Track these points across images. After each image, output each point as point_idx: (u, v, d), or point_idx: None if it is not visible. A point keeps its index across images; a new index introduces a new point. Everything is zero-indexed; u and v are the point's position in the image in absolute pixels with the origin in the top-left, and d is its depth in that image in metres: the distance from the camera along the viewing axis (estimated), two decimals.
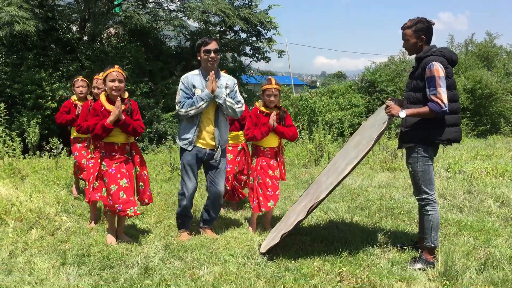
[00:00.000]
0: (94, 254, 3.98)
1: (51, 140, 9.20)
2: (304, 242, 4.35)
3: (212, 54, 4.40)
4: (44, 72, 12.17)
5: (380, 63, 20.98)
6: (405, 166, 8.56)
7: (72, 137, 5.97)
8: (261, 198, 4.76)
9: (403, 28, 3.94)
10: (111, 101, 4.22)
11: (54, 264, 3.73)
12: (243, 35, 15.80)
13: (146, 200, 4.45)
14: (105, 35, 15.00)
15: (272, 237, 4.21)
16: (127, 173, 4.25)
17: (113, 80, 4.16)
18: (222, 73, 4.67)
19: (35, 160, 8.50)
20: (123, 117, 4.15)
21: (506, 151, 10.52)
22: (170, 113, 12.97)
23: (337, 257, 3.93)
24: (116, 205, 4.14)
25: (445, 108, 3.61)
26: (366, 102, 17.83)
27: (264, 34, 15.37)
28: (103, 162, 4.23)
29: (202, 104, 4.33)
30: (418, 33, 3.84)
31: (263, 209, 4.77)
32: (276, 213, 5.41)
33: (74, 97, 5.88)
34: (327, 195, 3.81)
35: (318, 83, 55.03)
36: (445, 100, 3.61)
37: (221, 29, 15.73)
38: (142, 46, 14.13)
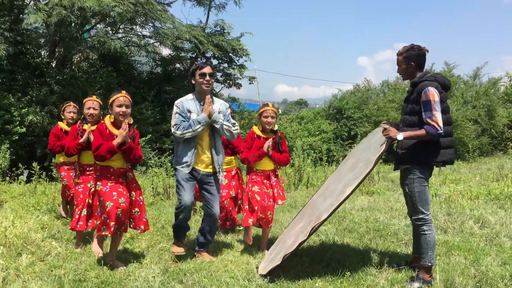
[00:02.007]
0: (91, 279, 3.88)
1: (20, 166, 8.94)
2: (303, 263, 4.38)
3: (208, 78, 4.47)
4: (13, 97, 11.85)
5: (346, 90, 21.55)
6: (383, 190, 8.82)
7: (57, 162, 5.82)
8: (245, 214, 4.82)
9: (397, 55, 4.13)
10: (116, 126, 4.20)
11: None
12: (215, 62, 15.96)
13: (142, 227, 4.33)
14: (75, 60, 14.81)
15: (270, 259, 4.23)
16: (124, 193, 4.18)
17: (120, 106, 4.18)
18: (215, 98, 4.73)
19: (6, 186, 8.22)
20: (129, 141, 4.14)
21: (472, 176, 10.92)
22: (144, 138, 12.86)
23: (337, 278, 3.97)
24: (112, 223, 4.03)
25: (441, 131, 3.77)
26: (334, 128, 18.21)
27: (236, 61, 15.58)
28: (98, 183, 4.16)
29: (199, 127, 4.37)
30: (408, 59, 4.03)
31: (250, 220, 4.78)
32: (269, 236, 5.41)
33: (61, 123, 5.74)
34: (329, 216, 3.88)
35: (280, 111, 55.90)
36: (441, 123, 3.77)
37: (193, 56, 15.84)
38: (113, 71, 14.02)
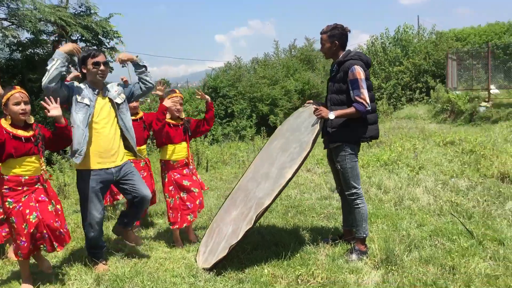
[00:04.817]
0: None
1: None
2: (245, 250, 4.29)
3: (102, 67, 4.03)
4: None
5: (218, 68, 21.60)
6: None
7: None
8: (179, 214, 4.63)
9: (320, 33, 4.17)
10: (16, 126, 3.60)
11: None
12: (82, 44, 14.72)
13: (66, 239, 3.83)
14: None
15: (209, 250, 4.08)
16: (36, 205, 3.63)
17: (17, 103, 3.55)
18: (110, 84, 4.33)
19: None
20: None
21: None
22: None
23: (282, 261, 3.97)
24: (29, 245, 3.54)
25: (369, 108, 3.93)
26: None
27: (106, 44, 14.56)
28: (8, 199, 3.56)
29: (54, 64, 3.70)
30: (333, 38, 4.10)
31: (185, 224, 4.65)
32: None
33: None
34: (272, 201, 3.83)
35: None
36: (368, 100, 3.92)
37: (56, 39, 14.42)
38: None
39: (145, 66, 4.28)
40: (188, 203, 4.65)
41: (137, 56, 4.26)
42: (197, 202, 4.70)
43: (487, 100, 15.28)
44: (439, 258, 3.85)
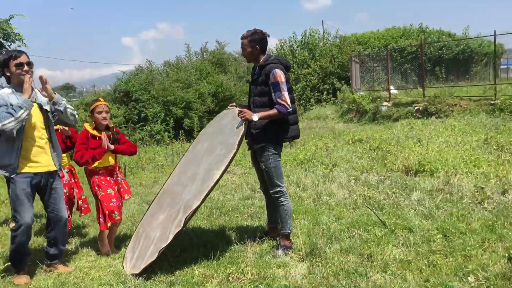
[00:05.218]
0: None
1: None
2: (174, 253, 4.30)
3: (26, 68, 3.91)
4: None
5: (130, 71, 21.02)
6: None
7: None
8: (106, 212, 4.48)
9: (241, 38, 4.31)
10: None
11: None
12: None
13: None
14: None
15: (136, 256, 4.05)
16: None
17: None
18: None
19: None
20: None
21: None
22: None
23: (212, 261, 4.05)
24: None
25: (290, 109, 4.13)
26: (124, 112, 17.68)
27: (7, 47, 13.58)
28: None
29: (22, 113, 3.73)
30: (253, 43, 4.26)
31: (109, 223, 4.52)
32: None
33: None
34: (201, 203, 3.90)
35: None
36: (289, 102, 4.12)
37: None
38: None
39: (62, 105, 4.09)
40: (113, 200, 4.51)
41: (55, 94, 4.07)
42: (122, 202, 4.64)
43: (388, 100, 16.40)
44: (358, 247, 4.15)
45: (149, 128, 17.27)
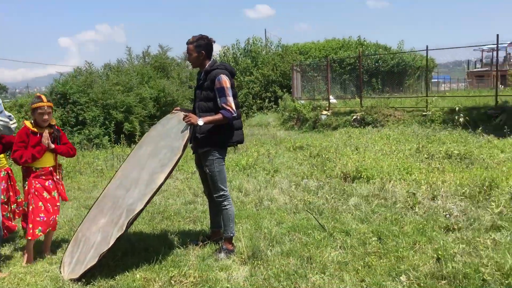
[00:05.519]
0: None
1: None
2: (115, 257, 4.23)
3: None
4: None
5: (67, 73, 20.33)
6: None
7: None
8: (30, 226, 4.30)
9: (187, 43, 4.34)
10: None
11: None
12: None
13: None
14: None
15: (75, 261, 3.96)
16: None
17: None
18: None
19: None
20: None
21: None
22: None
23: (153, 265, 4.03)
24: None
25: (235, 114, 4.21)
26: (61, 114, 17.06)
27: None
28: None
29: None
30: (199, 48, 4.31)
31: (29, 237, 4.30)
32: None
33: None
34: (144, 207, 3.88)
35: None
36: (234, 107, 4.20)
37: None
38: None
39: None
40: (40, 215, 4.36)
41: None
42: (51, 218, 4.46)
43: (327, 109, 16.91)
44: (298, 250, 4.27)
45: (87, 131, 16.76)
